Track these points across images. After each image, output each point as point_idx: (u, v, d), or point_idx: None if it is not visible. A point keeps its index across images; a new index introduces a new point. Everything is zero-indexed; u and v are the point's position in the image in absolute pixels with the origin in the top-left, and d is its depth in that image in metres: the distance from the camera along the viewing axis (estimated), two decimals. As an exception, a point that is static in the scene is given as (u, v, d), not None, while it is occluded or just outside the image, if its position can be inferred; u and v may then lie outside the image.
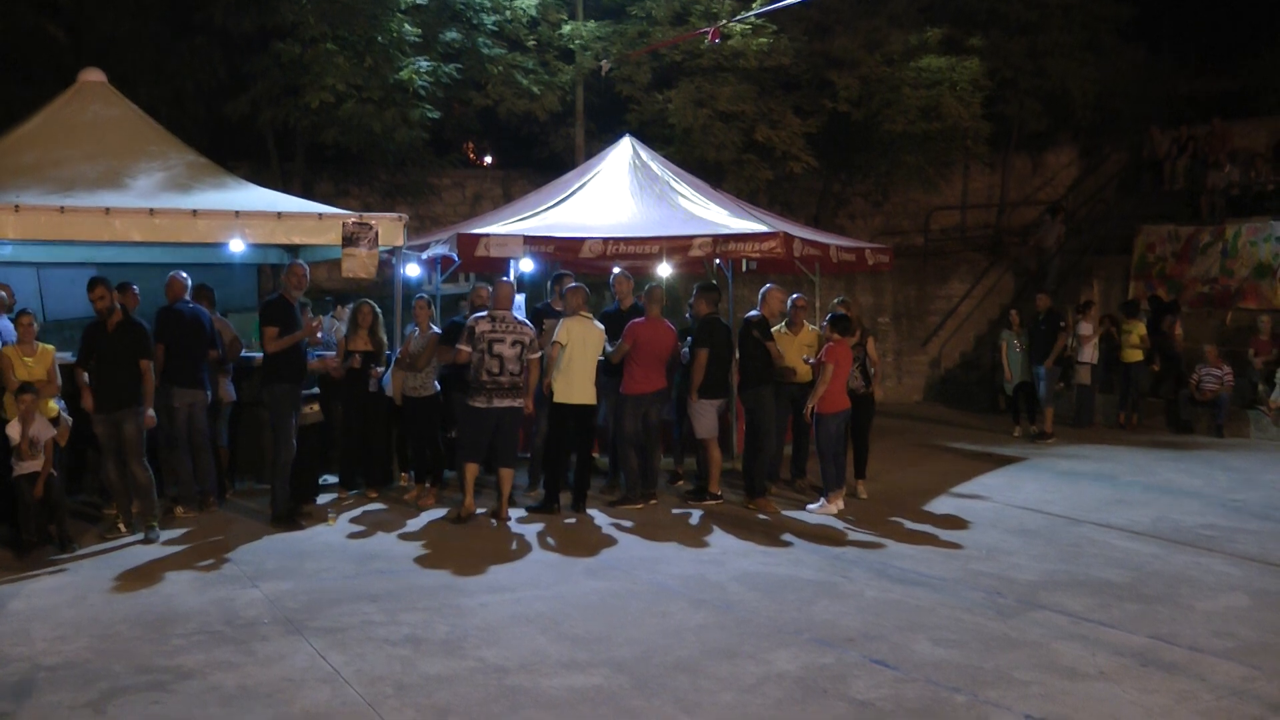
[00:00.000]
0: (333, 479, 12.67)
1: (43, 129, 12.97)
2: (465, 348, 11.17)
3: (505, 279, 11.84)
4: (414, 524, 11.05)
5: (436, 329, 12.00)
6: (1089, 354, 17.76)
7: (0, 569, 9.38)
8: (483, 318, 11.25)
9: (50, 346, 10.69)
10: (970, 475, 13.69)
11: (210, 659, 7.13)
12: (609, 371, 12.13)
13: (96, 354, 10.49)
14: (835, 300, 12.71)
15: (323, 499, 11.97)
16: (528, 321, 11.61)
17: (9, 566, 9.47)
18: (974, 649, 7.27)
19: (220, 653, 7.25)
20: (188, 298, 11.62)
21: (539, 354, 11.40)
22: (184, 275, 11.72)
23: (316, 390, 12.00)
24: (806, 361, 12.28)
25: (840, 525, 11.07)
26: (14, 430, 9.98)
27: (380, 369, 12.26)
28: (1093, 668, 6.96)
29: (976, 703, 6.35)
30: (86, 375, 10.51)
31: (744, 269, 15.60)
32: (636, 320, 12.00)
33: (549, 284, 13.70)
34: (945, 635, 7.55)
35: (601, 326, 11.88)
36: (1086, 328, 17.69)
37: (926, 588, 8.75)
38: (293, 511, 11.00)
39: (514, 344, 11.15)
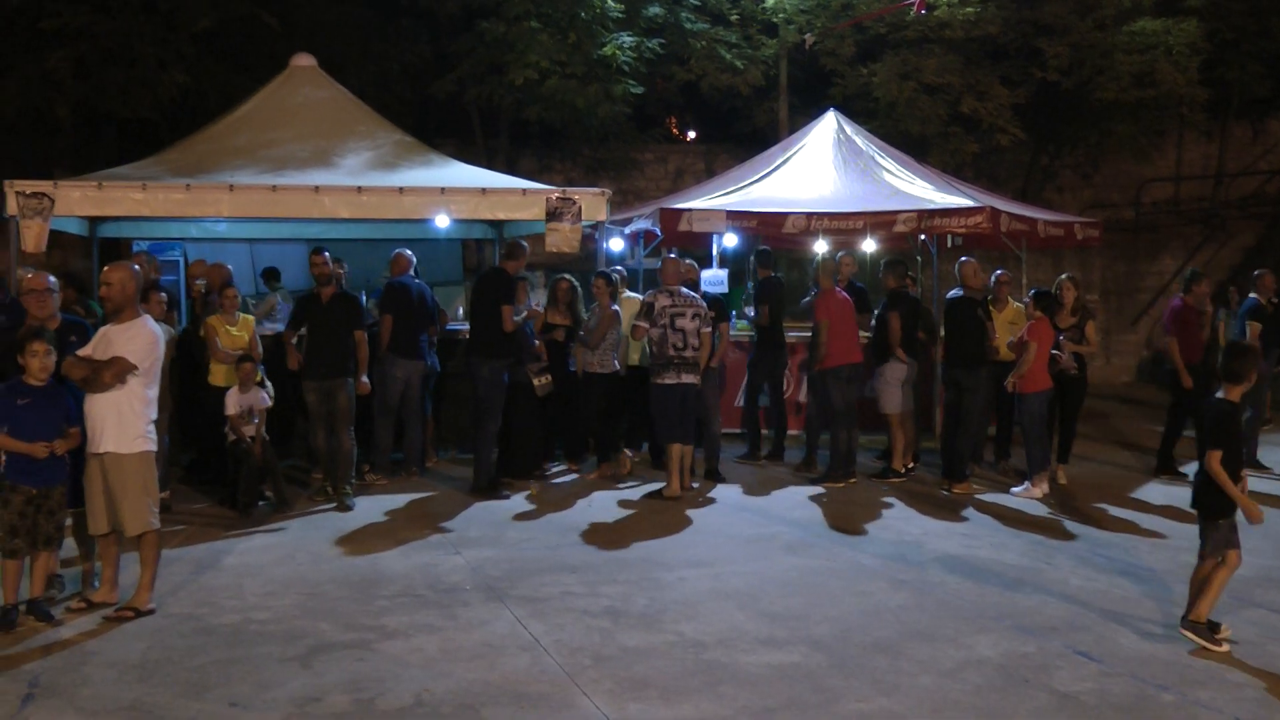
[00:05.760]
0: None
1: (256, 112, 13.53)
2: (643, 324, 11.21)
3: (672, 255, 11.86)
4: (615, 496, 11.21)
5: (616, 307, 12.00)
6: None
7: (215, 527, 9.86)
8: (659, 293, 11.29)
9: (250, 316, 11.24)
10: (1181, 462, 13.25)
11: (413, 621, 7.36)
12: (764, 345, 12.15)
13: (310, 324, 10.91)
14: (1062, 276, 12.39)
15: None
16: (698, 297, 11.62)
17: (224, 525, 9.95)
18: (1183, 645, 7.04)
19: (423, 616, 7.48)
20: (412, 272, 11.96)
21: (711, 329, 11.44)
22: (409, 251, 12.09)
23: (547, 363, 12.05)
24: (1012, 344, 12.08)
25: (1044, 510, 10.85)
26: (233, 400, 10.46)
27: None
28: (1314, 673, 6.67)
29: (1185, 703, 6.16)
30: (295, 340, 10.98)
31: (949, 244, 15.39)
32: (825, 294, 11.95)
33: (751, 259, 13.77)
34: (1152, 629, 7.35)
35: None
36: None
37: (1133, 578, 8.53)
38: (495, 482, 11.25)
39: (693, 317, 11.20)
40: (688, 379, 11.18)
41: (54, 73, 15.86)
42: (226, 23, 16.63)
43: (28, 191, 10.98)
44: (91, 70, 16.16)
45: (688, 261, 12.52)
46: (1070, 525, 10.27)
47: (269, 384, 11.01)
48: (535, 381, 11.62)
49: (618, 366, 11.94)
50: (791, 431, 13.82)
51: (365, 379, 10.93)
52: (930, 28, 18.95)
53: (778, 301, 13.13)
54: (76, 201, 11.31)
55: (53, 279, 8.08)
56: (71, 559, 8.06)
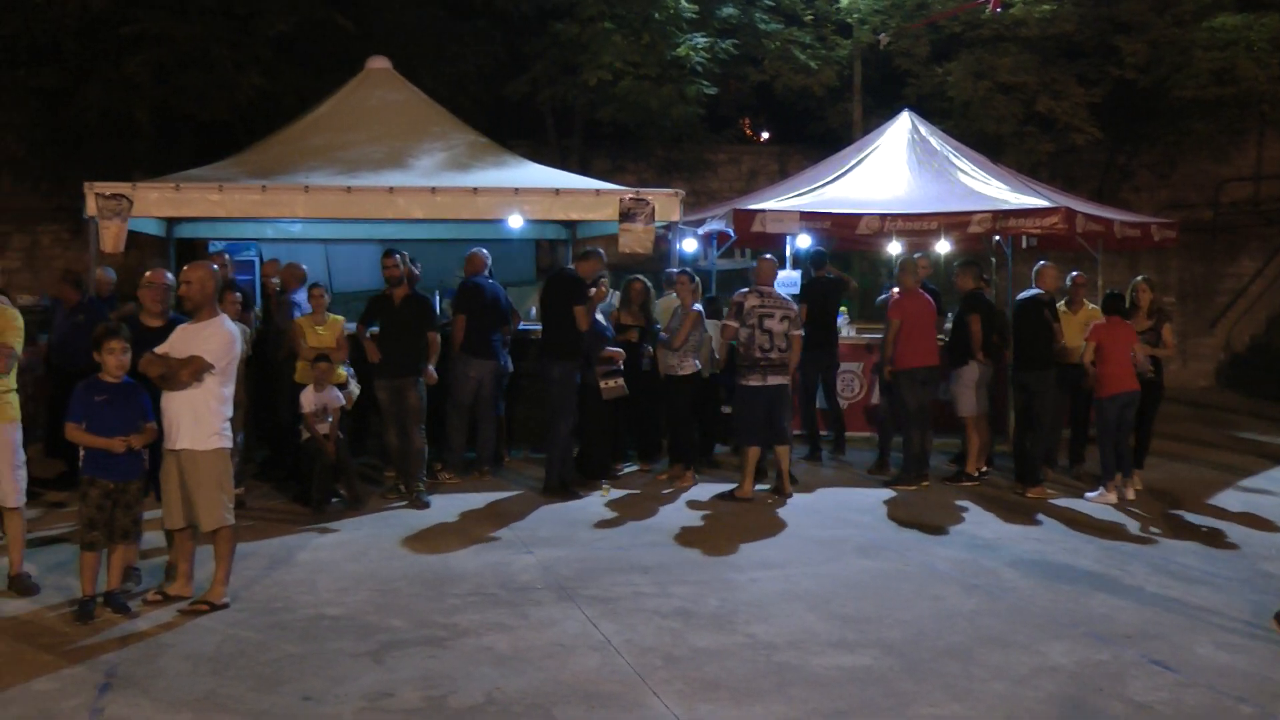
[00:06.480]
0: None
1: (331, 114, 13.66)
2: (733, 324, 11.13)
3: (767, 255, 11.77)
4: (686, 497, 11.18)
5: (699, 306, 11.89)
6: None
7: (288, 523, 9.96)
8: (750, 293, 11.20)
9: (340, 317, 11.27)
10: (1260, 468, 13.02)
11: (484, 620, 7.39)
12: (809, 345, 12.02)
13: (381, 324, 11.00)
14: (1138, 278, 12.21)
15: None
16: (789, 299, 11.54)
17: (297, 521, 10.05)
18: (1262, 657, 6.92)
19: (494, 614, 7.50)
20: (487, 273, 12.00)
21: (800, 331, 11.35)
22: (484, 251, 12.12)
23: (619, 367, 11.87)
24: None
25: (1119, 516, 10.69)
26: (308, 398, 10.56)
27: (650, 347, 12.27)
28: (1398, 686, 6.49)
29: (1264, 715, 6.03)
30: (369, 334, 11.02)
31: (1024, 245, 15.24)
32: (900, 295, 11.89)
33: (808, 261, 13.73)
34: (1230, 640, 7.21)
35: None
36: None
37: (1210, 587, 8.38)
38: (567, 481, 11.27)
39: (782, 319, 11.10)
40: (774, 380, 11.09)
41: (133, 77, 16.13)
42: (303, 26, 16.81)
43: (107, 193, 11.16)
44: (170, 74, 16.41)
45: (765, 255, 12.44)
46: (1146, 531, 10.13)
47: (353, 384, 11.10)
48: (602, 385, 11.57)
49: (698, 367, 11.83)
50: (864, 434, 13.76)
51: (433, 369, 10.98)
52: (1005, 26, 18.80)
53: (828, 301, 13.13)
54: (154, 203, 11.48)
55: (170, 276, 8.27)
56: (148, 551, 8.22)
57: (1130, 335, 11.30)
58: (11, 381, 7.80)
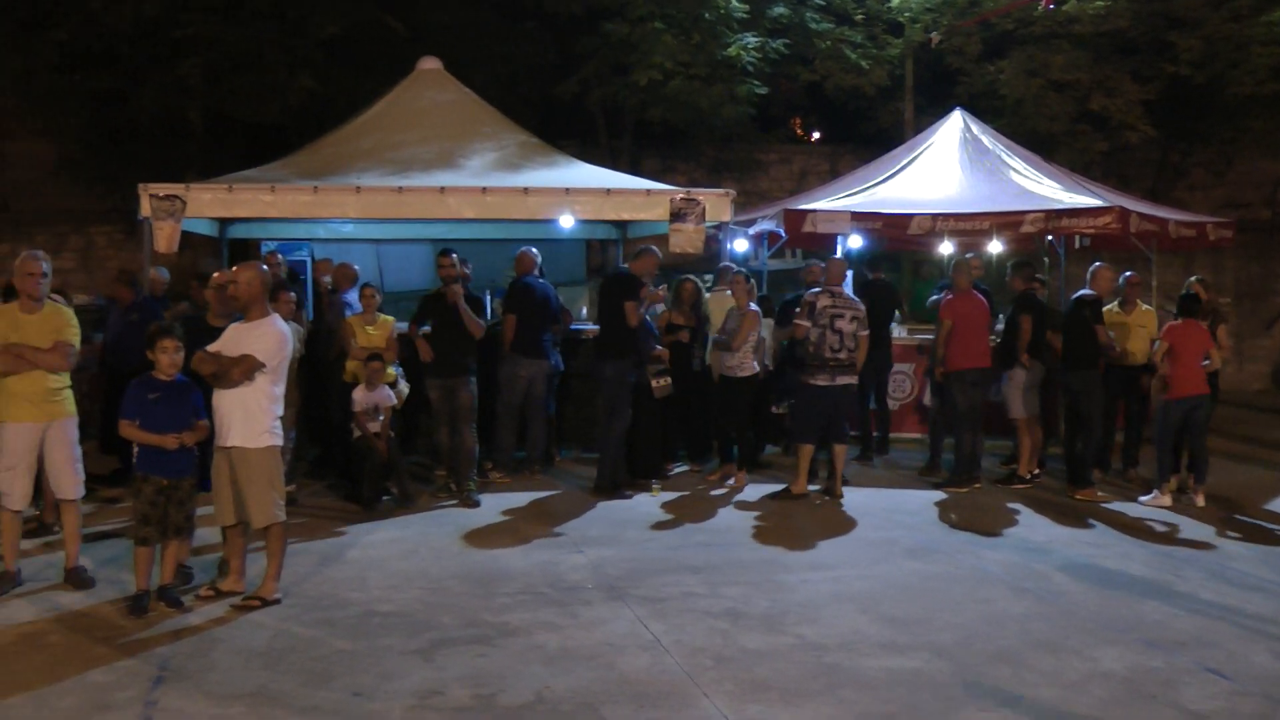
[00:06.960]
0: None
1: (382, 115, 13.74)
2: (805, 323, 11.08)
3: (837, 256, 11.72)
4: (737, 498, 11.16)
5: (755, 306, 11.85)
6: None
7: (339, 521, 10.02)
8: (821, 293, 11.17)
9: (390, 318, 11.30)
10: None
11: (534, 618, 7.39)
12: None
13: (434, 323, 11.02)
14: (1192, 279, 12.05)
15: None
16: (857, 300, 11.48)
17: (348, 519, 10.10)
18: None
19: (544, 613, 7.51)
20: (537, 272, 12.01)
21: (867, 331, 11.29)
22: (534, 250, 12.11)
23: (667, 366, 11.79)
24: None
25: (1172, 519, 10.57)
26: (359, 397, 10.61)
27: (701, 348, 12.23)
28: None
29: (1321, 724, 5.95)
30: (421, 333, 11.03)
31: (1077, 245, 15.11)
32: (953, 296, 11.81)
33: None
34: (1287, 647, 7.12)
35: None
36: None
37: (1266, 594, 8.26)
38: (617, 481, 11.27)
39: (852, 319, 11.06)
40: (842, 380, 11.07)
41: (186, 80, 16.33)
42: (353, 28, 16.93)
43: (161, 194, 11.29)
44: (222, 77, 16.59)
45: (821, 263, 12.40)
46: (1200, 536, 9.99)
47: (402, 383, 11.14)
48: (654, 384, 11.55)
49: (757, 368, 11.70)
50: (914, 435, 13.69)
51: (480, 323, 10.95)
52: (1058, 23, 18.65)
53: (882, 304, 13.05)
54: (207, 203, 11.60)
55: None
56: (201, 547, 8.33)
57: (1204, 338, 11.08)
58: (68, 378, 7.93)
